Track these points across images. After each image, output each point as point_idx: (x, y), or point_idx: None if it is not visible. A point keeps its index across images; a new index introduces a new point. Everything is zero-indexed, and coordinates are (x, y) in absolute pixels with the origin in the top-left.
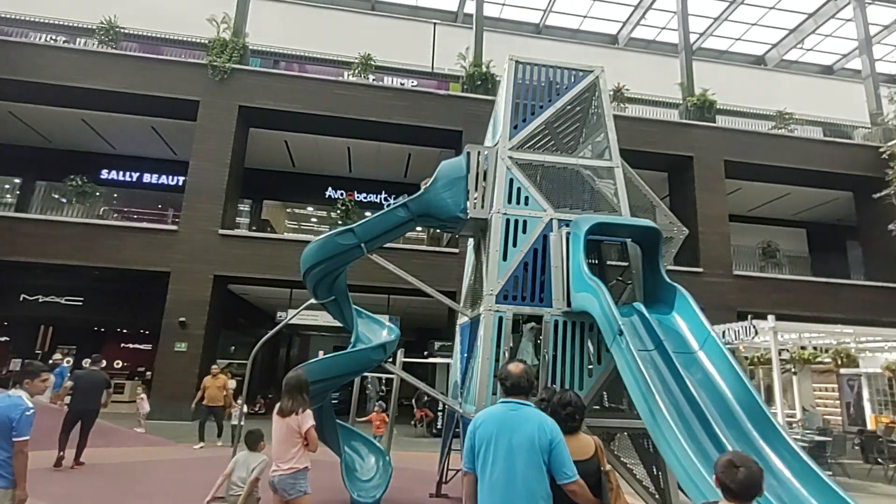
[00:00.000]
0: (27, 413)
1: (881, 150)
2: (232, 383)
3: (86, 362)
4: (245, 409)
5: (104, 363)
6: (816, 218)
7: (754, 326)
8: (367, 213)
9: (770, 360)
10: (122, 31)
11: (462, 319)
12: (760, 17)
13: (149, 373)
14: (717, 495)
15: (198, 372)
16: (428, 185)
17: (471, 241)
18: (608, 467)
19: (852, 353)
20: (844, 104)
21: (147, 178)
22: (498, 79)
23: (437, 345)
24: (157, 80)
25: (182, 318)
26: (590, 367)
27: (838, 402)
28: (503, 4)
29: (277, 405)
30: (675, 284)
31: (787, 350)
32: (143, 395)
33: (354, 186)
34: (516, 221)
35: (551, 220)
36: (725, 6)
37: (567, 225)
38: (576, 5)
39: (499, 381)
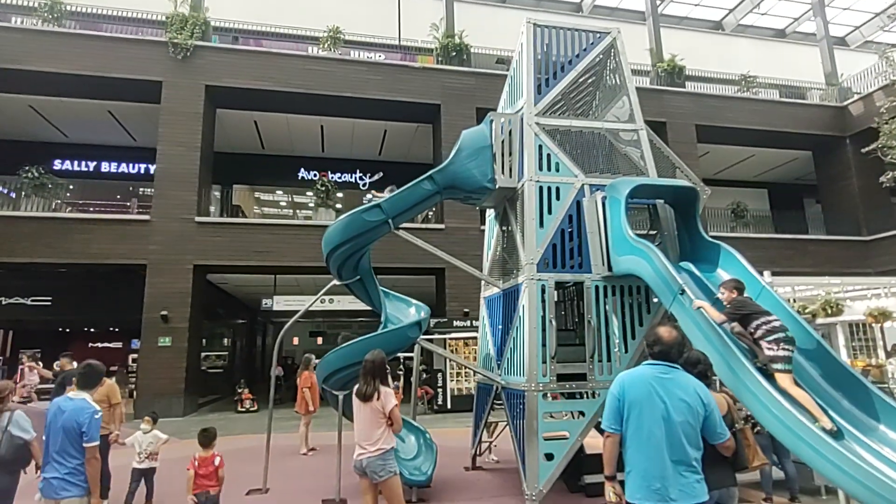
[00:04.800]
0: (96, 416)
1: (879, 104)
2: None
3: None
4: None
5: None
6: (777, 178)
7: None
8: (340, 195)
9: None
10: (66, 7)
11: (488, 291)
12: None
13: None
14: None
15: (184, 366)
16: (452, 156)
17: (490, 213)
18: (740, 424)
19: (840, 303)
20: (797, 66)
21: (105, 166)
22: (472, 49)
23: (432, 322)
24: (112, 60)
25: (164, 312)
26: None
27: None
28: None
29: (355, 389)
30: (718, 242)
31: None
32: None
33: (328, 166)
34: (549, 189)
35: (583, 185)
36: None
37: (600, 190)
38: None
39: (646, 344)
